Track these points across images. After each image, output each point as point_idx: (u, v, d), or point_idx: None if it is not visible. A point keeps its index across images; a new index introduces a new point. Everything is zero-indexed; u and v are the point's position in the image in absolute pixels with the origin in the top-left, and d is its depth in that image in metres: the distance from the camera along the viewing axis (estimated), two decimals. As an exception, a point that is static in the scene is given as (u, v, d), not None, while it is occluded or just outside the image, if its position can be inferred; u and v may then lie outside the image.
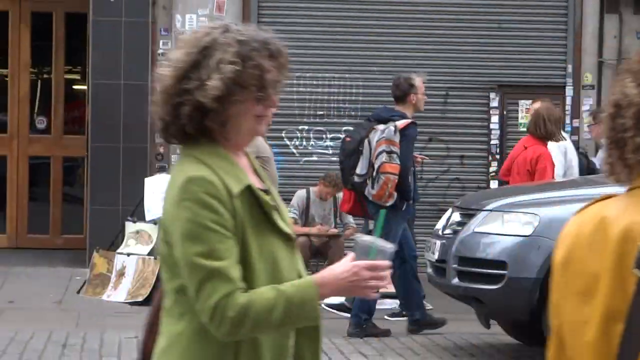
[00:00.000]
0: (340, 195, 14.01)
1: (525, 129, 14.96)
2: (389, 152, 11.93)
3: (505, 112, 16.66)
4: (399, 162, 11.84)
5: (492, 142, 16.57)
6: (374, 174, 11.99)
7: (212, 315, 3.78)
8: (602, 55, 16.55)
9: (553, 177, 12.63)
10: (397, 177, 11.76)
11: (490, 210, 11.21)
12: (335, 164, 14.10)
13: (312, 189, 15.08)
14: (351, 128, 15.28)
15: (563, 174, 13.20)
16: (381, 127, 12.12)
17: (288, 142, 16.43)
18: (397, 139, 11.92)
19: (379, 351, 11.71)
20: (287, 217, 3.97)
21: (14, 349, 11.32)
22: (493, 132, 16.60)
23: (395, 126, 11.98)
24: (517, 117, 16.69)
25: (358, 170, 12.21)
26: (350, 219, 14.61)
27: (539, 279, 10.47)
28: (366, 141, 12.17)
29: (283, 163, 16.19)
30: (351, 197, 12.90)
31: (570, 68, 16.61)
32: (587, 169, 14.01)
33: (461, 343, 12.11)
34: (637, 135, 2.60)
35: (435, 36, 16.56)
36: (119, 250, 14.68)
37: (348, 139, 13.00)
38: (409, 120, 12.14)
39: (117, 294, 14.30)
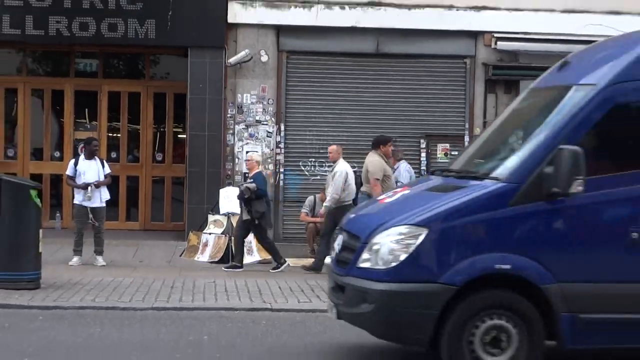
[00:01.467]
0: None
1: (442, 162, 15.30)
2: None
3: (429, 152, 16.25)
4: None
5: (422, 168, 16.00)
6: None
7: None
8: (486, 117, 16.17)
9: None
10: None
11: None
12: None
13: (317, 195, 14.84)
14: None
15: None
16: None
17: (303, 168, 16.14)
18: None
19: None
20: None
21: (143, 289, 11.35)
22: (422, 164, 16.13)
23: None
24: (436, 155, 16.26)
25: None
26: None
27: None
28: None
29: (300, 180, 16.16)
30: None
31: (467, 125, 16.28)
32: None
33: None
34: None
35: (390, 105, 16.20)
36: (204, 231, 14.62)
37: None
38: None
39: (203, 257, 14.26)
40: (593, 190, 6.94)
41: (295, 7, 15.87)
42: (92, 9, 15.53)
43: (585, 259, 7.00)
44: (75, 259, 13.40)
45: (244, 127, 16.27)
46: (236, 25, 15.91)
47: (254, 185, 13.33)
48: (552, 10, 16.08)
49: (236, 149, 16.14)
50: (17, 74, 16.85)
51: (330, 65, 16.25)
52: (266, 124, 16.29)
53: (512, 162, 7.24)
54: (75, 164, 13.53)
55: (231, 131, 16.22)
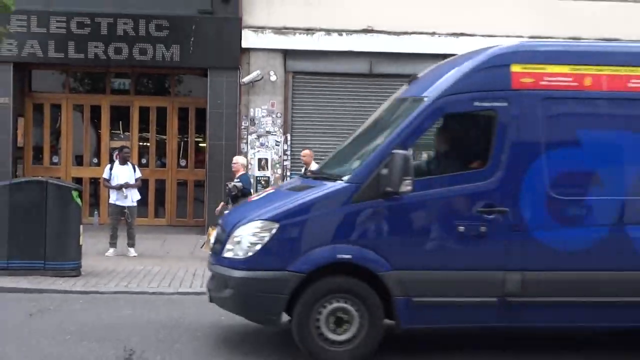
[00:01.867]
0: None
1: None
2: None
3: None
4: None
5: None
6: None
7: None
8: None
9: None
10: None
11: None
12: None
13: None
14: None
15: None
16: None
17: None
18: None
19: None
20: None
21: (168, 276, 11.38)
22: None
23: None
24: (422, 162, 16.20)
25: None
26: None
27: None
28: None
29: (304, 182, 16.76)
30: None
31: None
32: None
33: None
34: None
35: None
36: (221, 226, 15.17)
37: None
38: None
39: (220, 248, 14.69)
40: (421, 189, 6.96)
41: (300, 34, 15.94)
42: (125, 36, 15.62)
43: (417, 250, 7.05)
44: (111, 250, 13.40)
45: (255, 137, 16.31)
46: (249, 50, 15.96)
47: (240, 184, 13.27)
48: (521, 37, 15.95)
49: (249, 156, 16.20)
50: (61, 91, 16.93)
51: (330, 84, 16.28)
52: (275, 134, 16.35)
53: (356, 165, 7.27)
54: (111, 169, 13.57)
55: (245, 140, 16.27)
